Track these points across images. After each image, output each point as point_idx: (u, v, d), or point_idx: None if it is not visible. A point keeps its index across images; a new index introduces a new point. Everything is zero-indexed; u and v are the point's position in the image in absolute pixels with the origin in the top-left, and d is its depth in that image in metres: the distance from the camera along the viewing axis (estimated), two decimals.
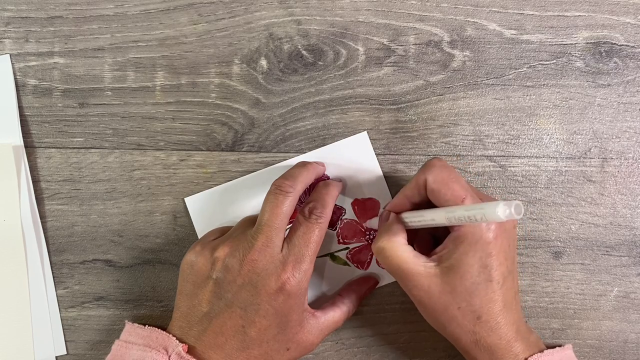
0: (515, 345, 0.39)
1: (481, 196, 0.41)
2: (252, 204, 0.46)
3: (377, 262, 0.46)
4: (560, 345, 0.42)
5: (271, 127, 0.47)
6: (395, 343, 0.47)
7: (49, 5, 0.47)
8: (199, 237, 0.46)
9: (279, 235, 0.40)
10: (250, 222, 0.43)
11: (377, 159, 0.46)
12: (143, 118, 0.47)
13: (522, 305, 0.45)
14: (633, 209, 0.47)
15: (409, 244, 0.40)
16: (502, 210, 0.33)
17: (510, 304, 0.39)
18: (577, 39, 0.47)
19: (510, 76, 0.47)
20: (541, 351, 0.40)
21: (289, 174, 0.42)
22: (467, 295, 0.38)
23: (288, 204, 0.41)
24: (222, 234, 0.44)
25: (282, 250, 0.40)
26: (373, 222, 0.47)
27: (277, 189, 0.41)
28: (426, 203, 0.41)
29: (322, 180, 0.45)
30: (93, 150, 0.47)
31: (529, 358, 0.39)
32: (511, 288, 0.39)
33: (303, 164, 0.44)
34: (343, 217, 0.46)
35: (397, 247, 0.39)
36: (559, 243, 0.47)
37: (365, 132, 0.46)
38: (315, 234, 0.41)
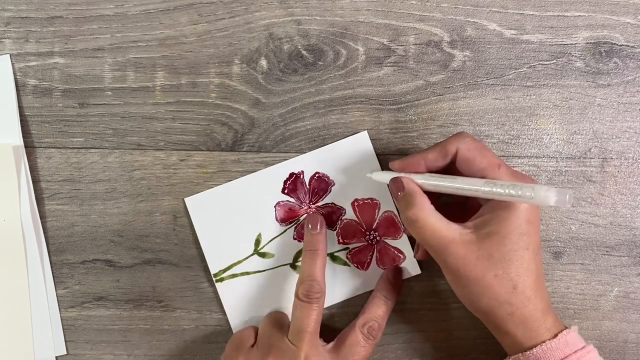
0: (548, 318, 0.39)
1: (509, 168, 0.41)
2: (252, 204, 0.46)
3: (377, 262, 0.46)
4: None
5: (271, 127, 0.47)
6: (395, 343, 0.47)
7: (49, 5, 0.47)
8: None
9: (317, 338, 0.43)
10: (278, 323, 0.44)
11: (377, 159, 0.46)
12: (143, 118, 0.47)
13: None
14: (633, 209, 0.47)
15: None
16: (553, 197, 0.34)
17: (541, 276, 0.39)
18: (577, 39, 0.47)
19: (510, 76, 0.47)
20: (567, 328, 0.40)
21: (311, 276, 0.43)
22: (504, 263, 0.38)
23: (319, 307, 0.42)
24: (254, 333, 0.45)
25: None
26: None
27: (306, 297, 0.42)
28: (442, 171, 0.41)
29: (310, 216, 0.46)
30: (93, 150, 0.47)
31: (563, 331, 0.39)
32: (541, 260, 0.40)
33: (315, 253, 0.44)
34: (343, 217, 0.46)
35: (430, 215, 0.39)
36: (559, 243, 0.47)
37: (366, 131, 0.46)
38: (363, 348, 0.43)
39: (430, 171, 0.41)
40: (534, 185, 0.36)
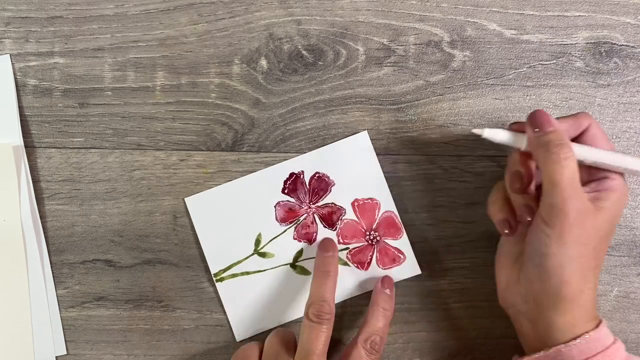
0: (594, 308, 0.39)
1: None
2: (252, 204, 0.46)
3: (377, 262, 0.46)
4: None
5: (271, 127, 0.47)
6: (395, 343, 0.47)
7: (49, 5, 0.47)
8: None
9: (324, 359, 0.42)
10: (284, 342, 0.43)
11: (377, 159, 0.46)
12: (143, 118, 0.47)
13: None
14: (633, 209, 0.47)
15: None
16: None
17: None
18: (577, 39, 0.47)
19: (510, 76, 0.47)
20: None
21: (322, 297, 0.42)
22: (601, 240, 0.39)
23: (328, 329, 0.42)
24: (259, 350, 0.44)
25: None
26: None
27: (316, 317, 0.42)
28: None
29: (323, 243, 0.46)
30: (93, 150, 0.47)
31: (602, 322, 0.39)
32: None
33: (326, 275, 0.43)
34: (343, 217, 0.46)
35: (574, 163, 0.38)
36: None
37: (366, 131, 0.46)
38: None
39: None
40: None
